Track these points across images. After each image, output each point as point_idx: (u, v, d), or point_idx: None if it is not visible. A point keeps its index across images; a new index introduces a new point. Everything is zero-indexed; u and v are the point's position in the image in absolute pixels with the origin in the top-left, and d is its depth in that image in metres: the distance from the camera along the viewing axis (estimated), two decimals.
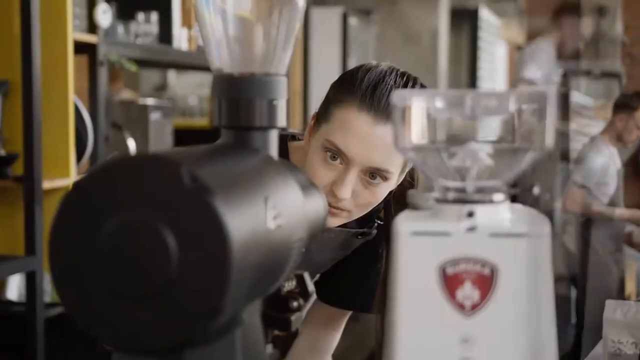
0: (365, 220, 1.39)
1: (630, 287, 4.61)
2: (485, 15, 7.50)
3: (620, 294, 4.31)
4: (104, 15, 2.63)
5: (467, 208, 0.66)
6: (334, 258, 1.43)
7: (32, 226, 2.28)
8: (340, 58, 4.87)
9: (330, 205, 1.24)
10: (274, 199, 0.67)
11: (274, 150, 0.77)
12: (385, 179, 1.24)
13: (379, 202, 1.29)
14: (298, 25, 0.79)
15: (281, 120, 0.77)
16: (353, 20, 5.02)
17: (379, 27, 5.44)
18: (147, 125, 3.10)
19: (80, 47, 2.60)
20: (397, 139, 0.68)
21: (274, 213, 0.66)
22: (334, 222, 1.28)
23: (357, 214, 1.29)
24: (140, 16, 3.06)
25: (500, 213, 0.67)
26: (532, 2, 9.99)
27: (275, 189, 0.69)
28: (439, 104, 0.67)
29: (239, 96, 0.76)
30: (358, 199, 1.25)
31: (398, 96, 0.67)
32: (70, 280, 0.61)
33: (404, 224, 0.66)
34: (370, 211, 1.36)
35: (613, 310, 1.83)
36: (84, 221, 0.60)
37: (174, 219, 0.58)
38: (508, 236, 0.65)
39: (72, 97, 2.47)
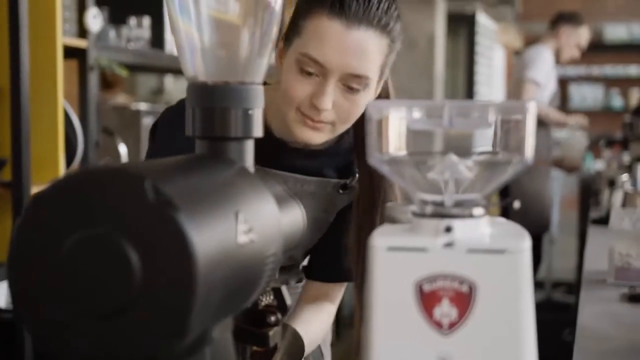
0: (345, 172, 1.39)
1: None
2: (483, 20, 7.48)
3: (548, 215, 4.40)
4: (94, 19, 2.61)
5: (444, 223, 0.64)
6: (320, 226, 1.42)
7: None
8: None
9: (312, 119, 1.24)
10: (246, 213, 0.65)
11: (249, 160, 0.75)
12: (364, 86, 1.23)
13: (360, 113, 1.27)
14: (275, 30, 0.76)
15: (257, 130, 0.75)
16: None
17: None
18: (140, 131, 3.08)
19: (71, 52, 2.58)
20: (372, 151, 0.66)
21: (245, 227, 0.64)
22: (318, 137, 1.26)
23: (341, 127, 1.27)
24: (132, 20, 3.04)
25: (480, 228, 0.65)
26: (529, 7, 10.01)
27: (247, 202, 0.67)
28: (416, 115, 0.65)
29: (214, 105, 0.73)
30: (339, 110, 1.24)
31: (373, 107, 0.65)
32: (30, 297, 0.58)
33: (380, 238, 0.64)
34: (348, 162, 1.37)
35: (620, 219, 1.69)
36: (45, 236, 0.58)
37: (137, 234, 0.56)
38: (487, 252, 0.63)
39: (61, 102, 2.44)
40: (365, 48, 1.21)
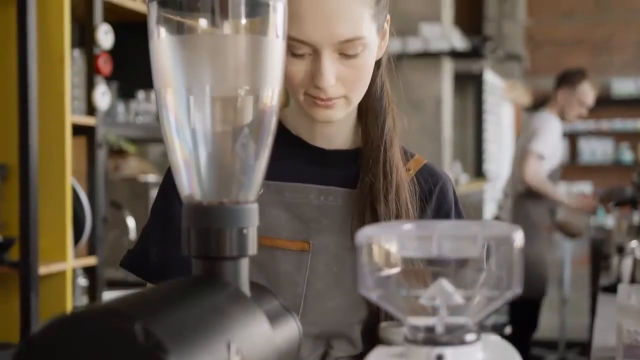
0: None
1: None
2: (490, 78, 7.54)
3: (544, 280, 4.34)
4: (103, 97, 2.64)
5: (436, 351, 0.64)
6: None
7: (27, 313, 2.26)
8: None
9: (320, 99, 1.15)
10: (238, 341, 0.65)
11: (244, 279, 0.75)
12: (362, 46, 1.13)
13: (370, 74, 1.17)
14: (267, 152, 0.77)
15: (252, 249, 0.76)
16: None
17: (386, 82, 5.41)
18: (148, 202, 3.09)
19: (79, 129, 2.61)
20: (361, 278, 0.66)
21: (237, 358, 0.64)
22: (335, 113, 1.17)
23: (356, 96, 1.18)
24: (141, 94, 3.08)
25: (472, 355, 0.65)
26: (537, 63, 10.09)
27: (239, 330, 0.67)
28: (406, 243, 0.65)
29: (209, 226, 0.74)
30: (345, 81, 1.14)
31: (362, 235, 0.66)
32: None
33: None
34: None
35: (627, 295, 1.63)
36: None
37: None
38: None
39: (69, 180, 2.46)
40: (344, 9, 1.11)
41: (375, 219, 1.20)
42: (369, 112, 1.26)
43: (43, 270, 2.35)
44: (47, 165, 2.42)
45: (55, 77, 2.45)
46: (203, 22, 0.95)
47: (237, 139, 0.77)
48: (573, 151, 10.12)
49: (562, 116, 4.47)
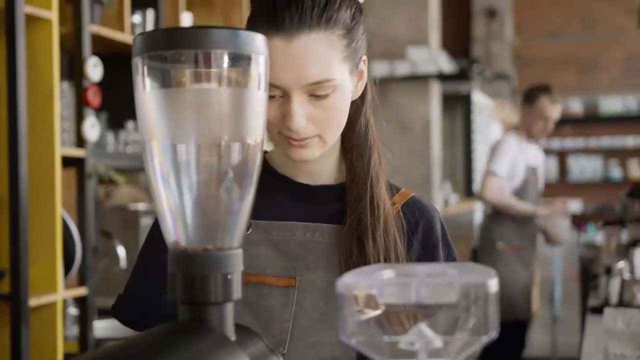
0: None
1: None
2: (478, 99, 7.59)
3: (526, 301, 4.30)
4: (92, 129, 2.66)
5: None
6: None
7: (18, 345, 2.27)
8: None
9: (294, 139, 1.16)
10: None
11: (229, 323, 0.77)
12: (332, 88, 1.15)
13: (342, 115, 1.19)
14: (250, 198, 0.79)
15: (237, 293, 0.78)
16: None
17: (371, 119, 5.47)
18: (139, 231, 3.11)
19: (69, 161, 2.63)
20: (342, 325, 0.68)
21: None
22: (310, 152, 1.19)
23: (330, 136, 1.19)
24: (130, 124, 3.10)
25: None
26: (525, 82, 10.15)
27: None
28: (385, 290, 0.67)
29: (194, 272, 0.76)
30: (317, 121, 1.16)
31: (343, 285, 0.68)
32: None
33: None
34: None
35: (613, 319, 1.64)
36: None
37: None
38: None
39: (59, 212, 2.48)
40: (312, 53, 1.13)
41: (362, 254, 1.21)
42: (354, 149, 1.28)
43: (33, 302, 2.36)
44: (37, 197, 2.43)
45: (44, 110, 2.47)
46: (187, 75, 0.98)
47: (221, 186, 0.79)
48: (562, 169, 10.18)
49: (530, 134, 4.44)
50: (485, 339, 0.67)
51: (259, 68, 0.77)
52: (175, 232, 0.78)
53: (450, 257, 1.30)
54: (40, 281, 2.43)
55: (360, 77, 1.24)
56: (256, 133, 0.79)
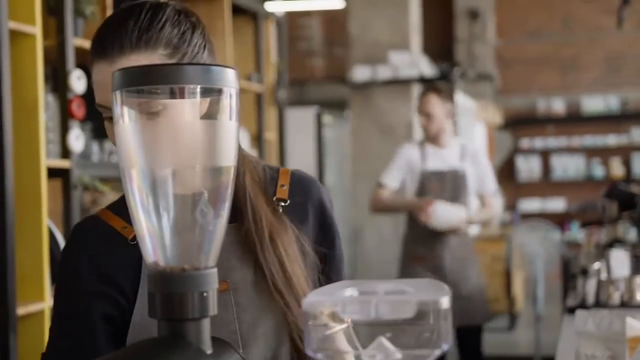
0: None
1: None
2: (462, 100, 7.65)
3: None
4: (77, 140, 2.71)
5: None
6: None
7: (6, 355, 2.31)
8: (316, 154, 4.97)
9: None
10: None
11: (206, 337, 0.83)
12: (162, 106, 1.13)
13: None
14: (224, 221, 0.85)
15: (213, 309, 0.83)
16: (327, 118, 5.15)
17: (354, 122, 5.58)
18: None
19: (54, 172, 2.67)
20: (307, 340, 0.74)
21: None
22: None
23: None
24: None
25: None
26: (508, 82, 10.26)
27: None
28: (347, 308, 0.73)
29: (172, 291, 0.82)
30: None
31: (308, 303, 0.74)
32: None
33: None
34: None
35: (584, 320, 1.68)
36: None
37: None
38: None
39: (45, 223, 2.52)
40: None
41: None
42: None
43: (21, 310, 2.41)
44: (23, 208, 2.48)
45: (30, 122, 2.51)
46: (164, 108, 1.04)
47: (197, 209, 0.85)
48: (546, 168, 10.29)
49: (428, 137, 4.19)
50: (437, 352, 0.73)
51: (231, 100, 0.83)
52: (154, 253, 0.84)
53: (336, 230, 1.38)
54: (27, 290, 2.47)
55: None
56: (228, 159, 0.85)
